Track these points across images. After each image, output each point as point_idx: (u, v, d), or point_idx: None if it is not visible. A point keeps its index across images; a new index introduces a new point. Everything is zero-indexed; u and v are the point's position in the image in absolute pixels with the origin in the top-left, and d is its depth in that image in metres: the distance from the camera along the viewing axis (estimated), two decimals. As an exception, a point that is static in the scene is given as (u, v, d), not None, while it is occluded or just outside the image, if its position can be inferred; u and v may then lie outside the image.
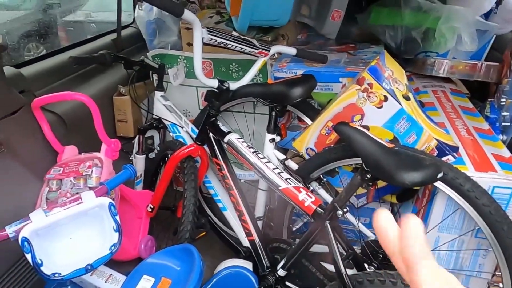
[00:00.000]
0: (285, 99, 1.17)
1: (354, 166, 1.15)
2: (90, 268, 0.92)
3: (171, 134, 1.60)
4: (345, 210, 0.95)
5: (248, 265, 1.27)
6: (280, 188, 1.06)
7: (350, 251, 1.01)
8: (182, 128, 1.56)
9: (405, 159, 0.83)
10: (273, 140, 1.27)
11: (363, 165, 0.88)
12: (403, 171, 0.79)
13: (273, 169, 1.08)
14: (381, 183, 1.09)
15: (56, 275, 0.88)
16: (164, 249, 1.11)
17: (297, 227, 1.44)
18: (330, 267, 1.13)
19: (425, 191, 1.15)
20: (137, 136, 1.66)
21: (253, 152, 1.13)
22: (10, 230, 0.85)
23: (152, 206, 1.39)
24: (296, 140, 1.32)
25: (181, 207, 1.52)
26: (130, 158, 1.73)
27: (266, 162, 1.10)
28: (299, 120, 1.48)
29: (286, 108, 1.26)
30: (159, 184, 1.37)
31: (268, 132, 1.28)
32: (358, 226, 1.15)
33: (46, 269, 0.86)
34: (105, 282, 1.07)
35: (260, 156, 1.12)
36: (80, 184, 1.23)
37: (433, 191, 1.07)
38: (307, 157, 1.29)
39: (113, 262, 1.20)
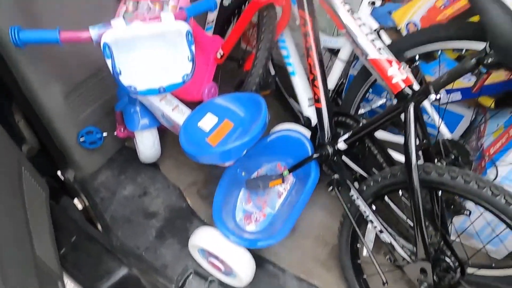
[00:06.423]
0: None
1: (463, 53, 0.98)
2: (162, 91, 0.94)
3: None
4: (438, 96, 0.84)
5: (307, 132, 1.26)
6: (368, 57, 0.93)
7: (424, 141, 0.93)
8: (267, -27, 1.38)
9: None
10: (372, 3, 1.08)
11: (487, 46, 0.72)
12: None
13: (367, 34, 0.94)
14: (490, 79, 0.93)
15: (133, 88, 0.90)
16: (232, 93, 1.09)
17: (363, 110, 1.36)
18: (394, 154, 1.09)
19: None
20: (216, -26, 1.49)
21: (348, 10, 0.97)
22: (93, 32, 0.85)
23: (222, 53, 1.34)
24: (397, 10, 1.12)
25: (249, 60, 1.46)
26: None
27: (360, 25, 0.96)
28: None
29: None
30: (234, 30, 1.28)
31: (369, -7, 1.08)
32: (439, 122, 1.04)
33: (124, 79, 0.88)
34: (172, 110, 1.11)
35: (355, 16, 0.97)
36: (156, 9, 1.17)
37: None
38: (405, 32, 1.11)
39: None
